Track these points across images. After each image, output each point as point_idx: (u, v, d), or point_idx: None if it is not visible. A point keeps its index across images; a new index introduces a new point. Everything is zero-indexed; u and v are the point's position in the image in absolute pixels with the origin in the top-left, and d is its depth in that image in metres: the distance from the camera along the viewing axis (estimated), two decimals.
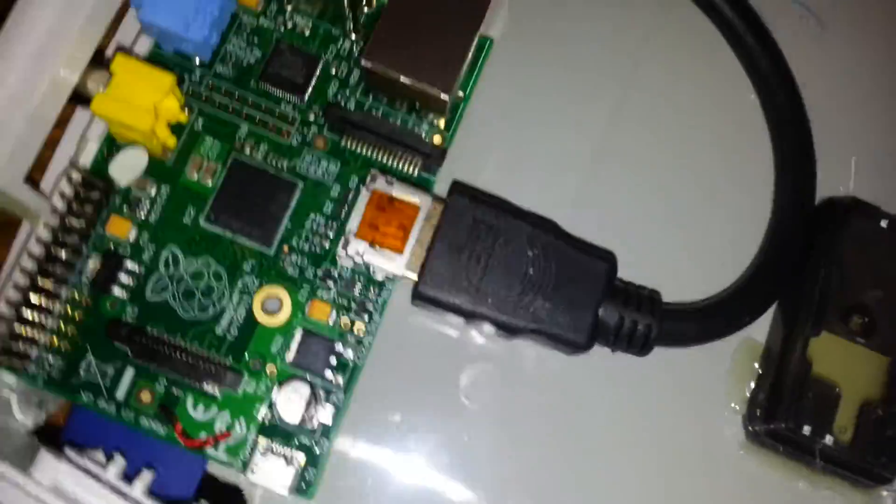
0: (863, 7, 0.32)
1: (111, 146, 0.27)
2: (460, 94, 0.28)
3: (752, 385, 0.28)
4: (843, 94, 0.31)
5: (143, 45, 0.28)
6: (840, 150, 0.30)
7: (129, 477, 0.24)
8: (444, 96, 0.26)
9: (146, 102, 0.25)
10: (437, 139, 0.28)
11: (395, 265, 0.26)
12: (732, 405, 0.28)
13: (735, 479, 0.27)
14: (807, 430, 0.25)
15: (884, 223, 0.27)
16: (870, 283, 0.26)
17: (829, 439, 0.25)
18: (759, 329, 0.28)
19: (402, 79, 0.26)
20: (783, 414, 0.25)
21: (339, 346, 0.26)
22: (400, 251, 0.26)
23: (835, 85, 0.31)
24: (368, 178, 0.26)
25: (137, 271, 0.27)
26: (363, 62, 0.26)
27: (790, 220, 0.28)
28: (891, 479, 0.25)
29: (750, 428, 0.27)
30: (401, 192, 0.26)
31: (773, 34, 0.30)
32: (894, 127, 0.30)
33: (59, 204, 0.26)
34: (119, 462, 0.24)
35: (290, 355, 0.26)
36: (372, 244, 0.26)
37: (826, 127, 0.29)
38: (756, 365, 0.28)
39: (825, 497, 0.27)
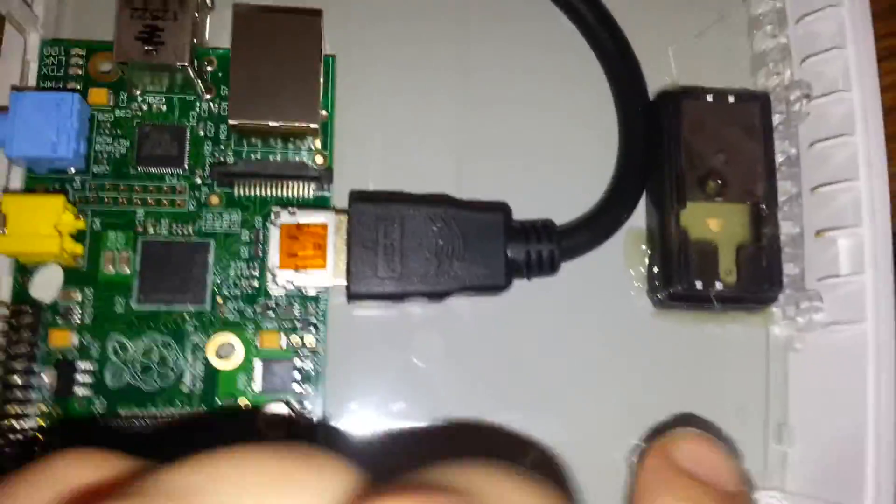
0: None
1: (23, 272, 0.29)
2: (324, 113, 0.31)
3: (646, 262, 0.32)
4: None
5: (17, 175, 0.29)
6: (656, 44, 0.34)
7: None
8: (313, 126, 0.29)
9: (46, 229, 0.27)
10: (319, 160, 0.31)
11: (324, 279, 0.29)
12: (636, 284, 0.32)
13: (657, 339, 0.32)
14: (698, 284, 0.30)
15: (709, 97, 0.31)
16: (713, 150, 0.31)
17: (718, 285, 0.30)
18: (638, 218, 0.32)
19: (271, 124, 0.28)
20: (676, 277, 0.30)
21: (297, 362, 0.29)
22: (323, 267, 0.29)
23: None
24: (272, 216, 0.29)
25: (92, 368, 0.28)
26: (230, 121, 0.28)
27: (634, 120, 0.32)
28: (774, 298, 0.30)
29: (654, 297, 0.32)
30: (306, 218, 0.29)
31: None
32: (691, 16, 0.35)
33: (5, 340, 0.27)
34: None
35: (258, 385, 0.29)
36: (297, 270, 0.28)
37: (638, 33, 0.33)
38: (643, 247, 0.32)
39: (731, 329, 0.32)
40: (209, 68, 0.31)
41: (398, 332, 0.31)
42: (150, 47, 0.28)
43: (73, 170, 0.30)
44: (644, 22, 0.34)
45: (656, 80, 0.34)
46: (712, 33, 0.35)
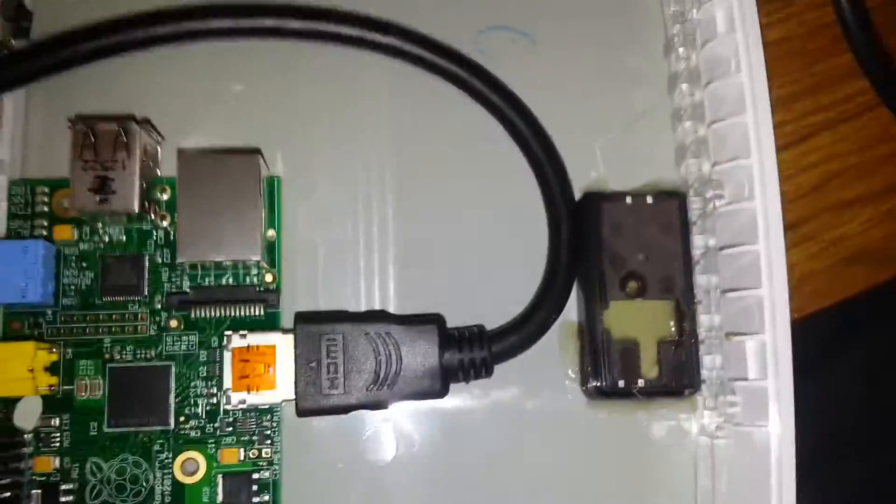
0: (559, 17, 0.38)
1: (5, 403, 0.32)
2: (271, 233, 0.34)
3: (577, 356, 0.34)
4: (568, 94, 0.37)
5: None
6: (583, 141, 0.36)
7: None
8: (254, 259, 0.31)
9: (20, 373, 0.30)
10: (269, 277, 0.33)
11: (274, 397, 0.31)
12: (570, 373, 0.35)
13: (589, 428, 0.34)
14: (621, 382, 0.32)
15: (629, 200, 0.34)
16: (632, 250, 0.33)
17: (640, 382, 0.32)
18: (571, 311, 0.35)
19: (217, 260, 0.31)
20: (600, 375, 0.32)
21: (255, 475, 0.32)
22: (273, 387, 0.31)
23: (558, 87, 0.37)
24: (225, 340, 0.31)
25: (73, 488, 0.31)
26: (178, 260, 0.31)
27: (560, 224, 0.34)
28: (695, 386, 0.32)
29: (584, 388, 0.34)
30: (256, 340, 0.32)
31: (499, 65, 0.35)
32: (617, 111, 0.37)
33: None
34: None
35: (220, 497, 0.32)
36: (248, 391, 0.31)
37: (565, 128, 0.35)
38: (576, 339, 0.35)
39: (661, 415, 0.34)
40: (164, 196, 0.33)
41: (349, 436, 0.34)
42: (103, 196, 0.31)
43: (42, 306, 0.32)
44: (571, 116, 0.36)
45: (584, 175, 0.36)
46: (640, 126, 0.37)
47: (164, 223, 0.33)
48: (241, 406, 0.31)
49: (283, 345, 0.32)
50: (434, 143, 0.36)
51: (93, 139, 0.31)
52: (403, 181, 0.36)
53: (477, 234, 0.35)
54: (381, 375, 0.32)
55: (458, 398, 0.34)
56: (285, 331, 0.32)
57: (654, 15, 0.38)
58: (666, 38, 0.37)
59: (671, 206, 0.34)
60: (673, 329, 0.33)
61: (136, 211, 0.31)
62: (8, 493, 0.30)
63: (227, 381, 0.31)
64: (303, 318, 0.32)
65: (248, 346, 0.31)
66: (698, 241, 0.34)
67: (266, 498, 0.32)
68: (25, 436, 0.31)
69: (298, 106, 0.36)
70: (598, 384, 0.33)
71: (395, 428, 0.34)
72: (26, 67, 0.31)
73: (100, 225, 0.33)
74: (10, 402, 0.32)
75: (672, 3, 0.37)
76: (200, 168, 0.31)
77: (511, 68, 0.35)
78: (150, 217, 0.32)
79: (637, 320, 0.33)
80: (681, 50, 0.36)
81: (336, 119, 0.36)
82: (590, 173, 0.36)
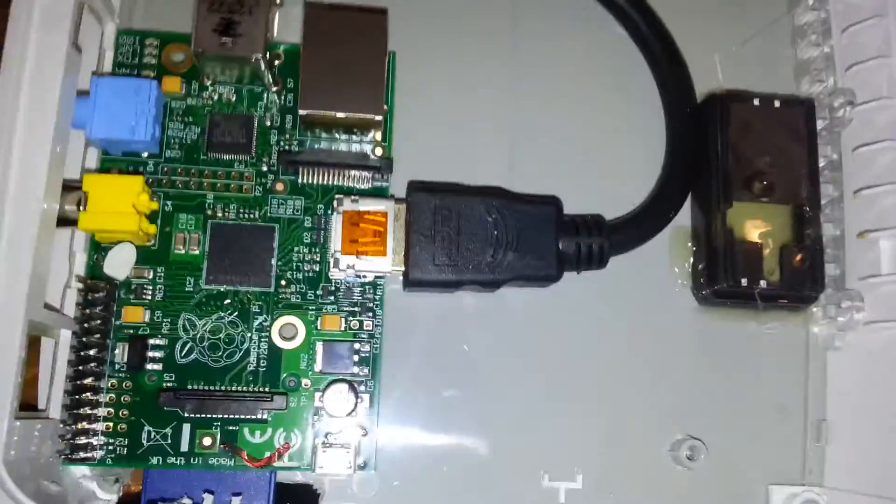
0: None
1: (97, 249, 0.30)
2: (385, 107, 0.32)
3: (691, 260, 0.33)
4: (688, 8, 0.36)
5: (92, 156, 0.31)
6: (702, 51, 0.35)
7: None
8: (377, 118, 0.30)
9: (126, 207, 0.28)
10: (378, 151, 0.32)
11: (383, 265, 0.30)
12: (679, 281, 0.33)
13: (700, 335, 0.33)
14: (744, 281, 0.31)
15: (756, 101, 0.33)
16: (759, 152, 0.32)
17: (763, 283, 0.31)
18: (682, 217, 0.33)
19: (339, 115, 0.30)
20: (721, 275, 0.31)
21: (356, 345, 0.30)
22: (383, 254, 0.30)
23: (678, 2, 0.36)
24: (335, 203, 0.30)
25: (163, 343, 0.30)
26: (300, 111, 0.30)
27: (682, 122, 0.33)
28: (816, 297, 0.31)
29: (698, 294, 0.33)
30: (367, 206, 0.30)
31: None
32: (735, 20, 0.36)
33: (76, 314, 0.29)
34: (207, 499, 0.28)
35: (318, 366, 0.30)
36: (358, 255, 0.30)
37: (684, 35, 0.34)
38: (689, 244, 0.33)
39: (772, 327, 0.33)
40: (277, 62, 0.32)
41: (450, 319, 0.32)
42: (227, 39, 0.29)
43: (146, 153, 0.31)
44: (691, 29, 0.35)
45: (702, 85, 0.35)
46: (757, 41, 0.36)
47: (275, 88, 0.32)
48: (348, 270, 0.30)
49: (394, 213, 0.30)
50: (553, 36, 0.35)
51: None
52: (521, 68, 0.35)
53: (592, 128, 0.34)
54: (496, 253, 0.30)
55: (564, 287, 0.32)
56: (397, 200, 0.31)
57: None
58: None
59: (798, 112, 0.33)
60: (797, 234, 0.32)
61: (261, 56, 0.30)
62: (95, 341, 0.29)
63: (336, 244, 0.30)
64: (417, 187, 0.31)
65: (360, 212, 0.30)
66: (822, 151, 0.33)
67: (366, 370, 0.30)
68: (116, 285, 0.30)
69: None
70: (718, 285, 0.31)
71: (496, 315, 0.32)
72: None
73: (209, 81, 0.32)
74: (103, 249, 0.30)
75: None
76: (327, 22, 0.30)
77: None
78: (266, 74, 0.31)
79: (760, 222, 0.32)
80: None
81: (452, 5, 0.35)
82: (709, 83, 0.35)
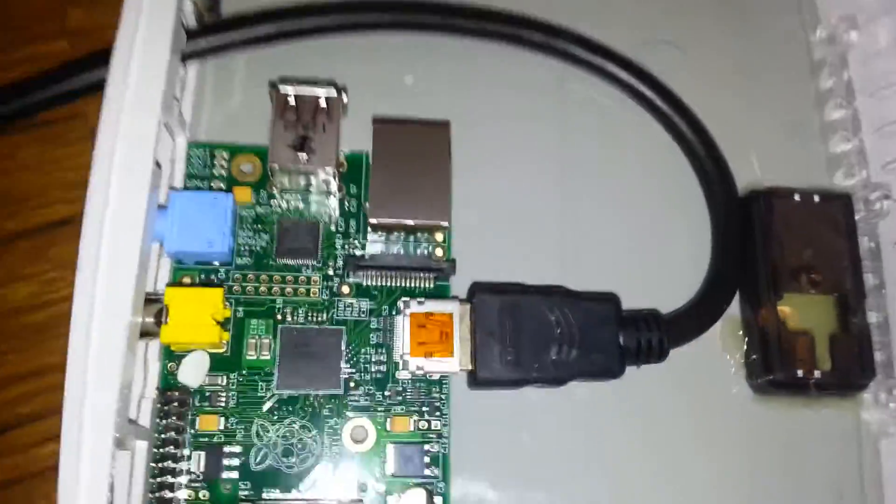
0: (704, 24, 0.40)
1: (171, 357, 0.31)
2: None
3: (744, 349, 0.34)
4: (719, 102, 0.38)
5: (165, 267, 0.32)
6: (739, 149, 0.37)
7: None
8: (443, 224, 0.31)
9: (206, 318, 0.29)
10: (439, 252, 0.33)
11: (452, 366, 0.31)
12: (732, 371, 0.34)
13: (754, 424, 0.34)
14: (799, 372, 0.32)
15: (797, 197, 0.34)
16: (802, 245, 0.34)
17: (817, 373, 0.32)
18: (731, 308, 0.35)
19: (407, 222, 0.31)
20: (778, 366, 0.32)
21: (426, 446, 0.31)
22: (451, 354, 0.31)
23: (709, 95, 0.38)
24: (402, 306, 0.31)
25: (238, 451, 0.30)
26: (370, 220, 0.31)
27: (727, 218, 0.34)
28: (867, 384, 0.32)
29: (753, 383, 0.34)
30: (433, 307, 0.31)
31: (650, 70, 0.37)
32: (770, 118, 0.38)
33: (152, 424, 0.29)
34: None
35: (390, 469, 0.30)
36: (426, 357, 0.31)
37: (721, 135, 0.36)
38: (740, 333, 0.34)
39: (825, 414, 0.34)
40: (340, 169, 0.34)
41: (516, 414, 0.33)
42: (303, 154, 0.31)
43: (217, 262, 0.32)
44: (722, 128, 0.37)
45: (740, 180, 0.36)
46: (789, 139, 0.38)
47: (340, 194, 0.34)
48: (417, 372, 0.30)
49: (459, 314, 0.31)
50: (598, 142, 0.37)
51: (293, 102, 0.32)
52: (569, 171, 0.36)
53: (641, 224, 0.36)
54: (560, 351, 0.31)
55: (623, 384, 0.33)
56: (462, 301, 0.32)
57: (796, 37, 0.40)
58: (811, 60, 0.39)
59: (837, 206, 0.34)
60: (843, 323, 0.33)
61: (336, 169, 0.31)
62: (171, 451, 0.29)
63: (405, 347, 0.31)
64: (482, 288, 0.32)
65: (426, 314, 0.31)
66: (861, 241, 0.34)
67: (436, 471, 0.31)
68: (190, 393, 0.30)
69: (469, 95, 0.37)
70: (774, 375, 0.32)
71: (559, 408, 0.33)
72: (236, 36, 0.32)
73: (276, 190, 0.33)
74: (176, 357, 0.31)
75: (819, 29, 0.39)
76: (394, 135, 0.32)
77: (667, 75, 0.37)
78: (334, 183, 0.33)
79: (809, 313, 0.33)
80: (830, 69, 0.38)
81: (503, 110, 0.37)
82: (747, 179, 0.37)
